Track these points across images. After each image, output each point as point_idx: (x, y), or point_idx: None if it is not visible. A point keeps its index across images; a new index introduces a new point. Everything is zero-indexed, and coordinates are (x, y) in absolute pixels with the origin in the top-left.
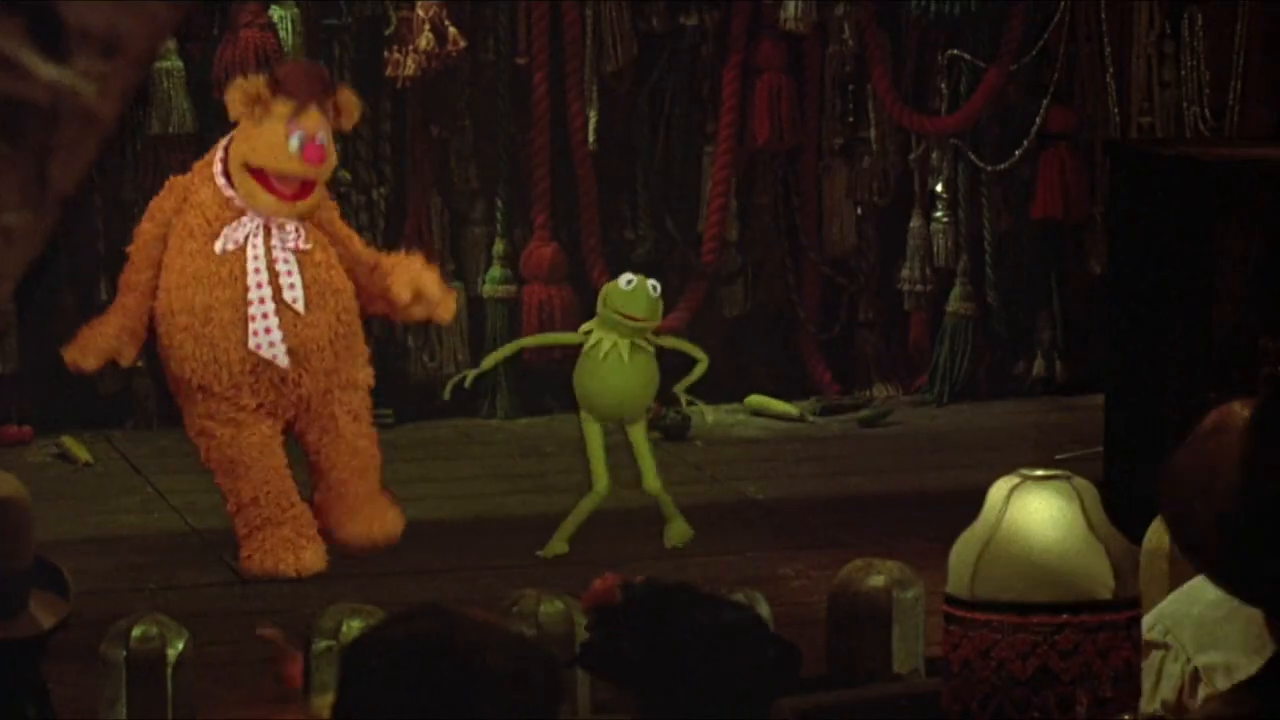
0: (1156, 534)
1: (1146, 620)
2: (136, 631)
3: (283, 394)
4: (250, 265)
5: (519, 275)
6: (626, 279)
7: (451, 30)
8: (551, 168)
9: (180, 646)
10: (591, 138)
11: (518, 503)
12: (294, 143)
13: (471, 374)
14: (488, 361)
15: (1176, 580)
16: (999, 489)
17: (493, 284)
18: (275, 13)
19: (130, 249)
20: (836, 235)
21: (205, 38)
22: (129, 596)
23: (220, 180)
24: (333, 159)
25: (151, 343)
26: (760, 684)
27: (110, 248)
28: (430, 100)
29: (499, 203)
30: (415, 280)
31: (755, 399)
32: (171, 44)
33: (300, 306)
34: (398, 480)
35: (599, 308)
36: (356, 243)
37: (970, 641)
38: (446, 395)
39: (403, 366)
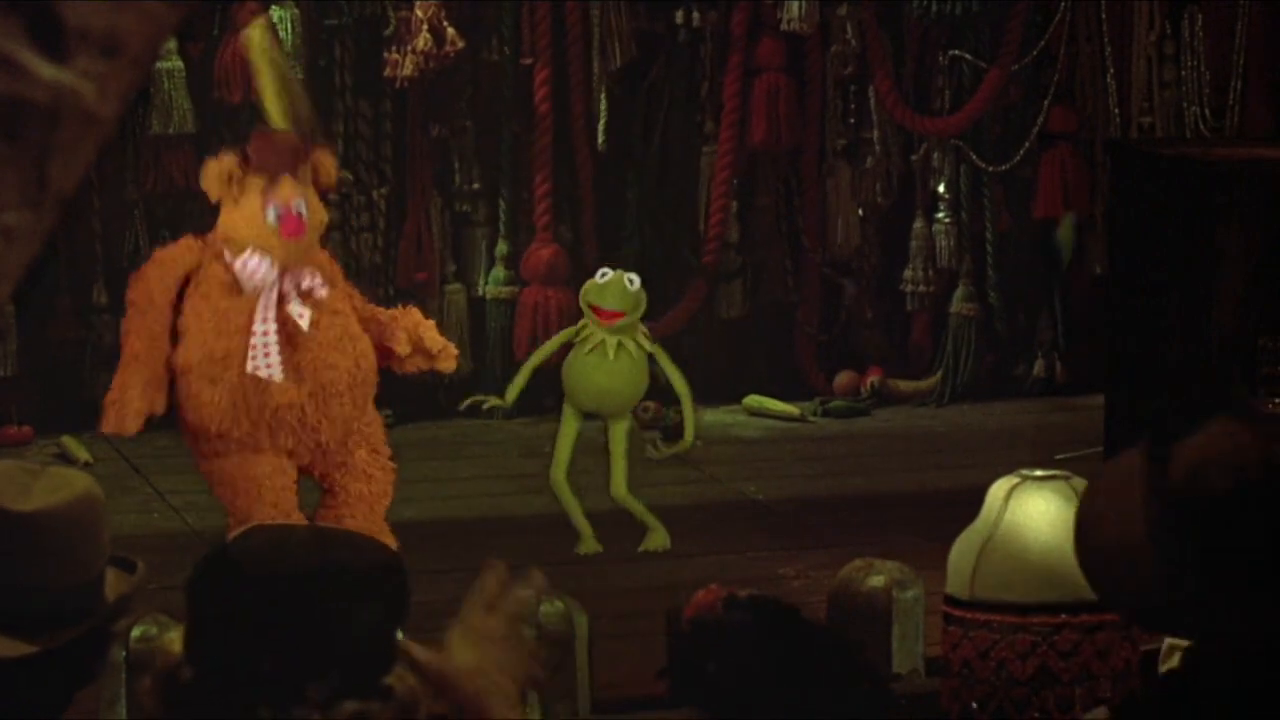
0: None
1: None
2: (136, 631)
3: (301, 440)
4: (262, 300)
5: (520, 276)
6: (601, 272)
7: (450, 31)
8: (554, 169)
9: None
10: (601, 138)
11: (518, 503)
12: (270, 217)
13: (499, 399)
14: (512, 393)
15: None
16: (999, 489)
17: (495, 285)
18: (275, 13)
19: (131, 295)
20: (840, 236)
21: (205, 38)
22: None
23: (227, 257)
24: (319, 215)
25: None
26: None
27: (108, 250)
28: (430, 100)
29: (501, 204)
30: (414, 332)
31: (753, 399)
32: (171, 44)
33: (304, 322)
34: (398, 480)
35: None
36: (359, 297)
37: (970, 641)
38: (476, 403)
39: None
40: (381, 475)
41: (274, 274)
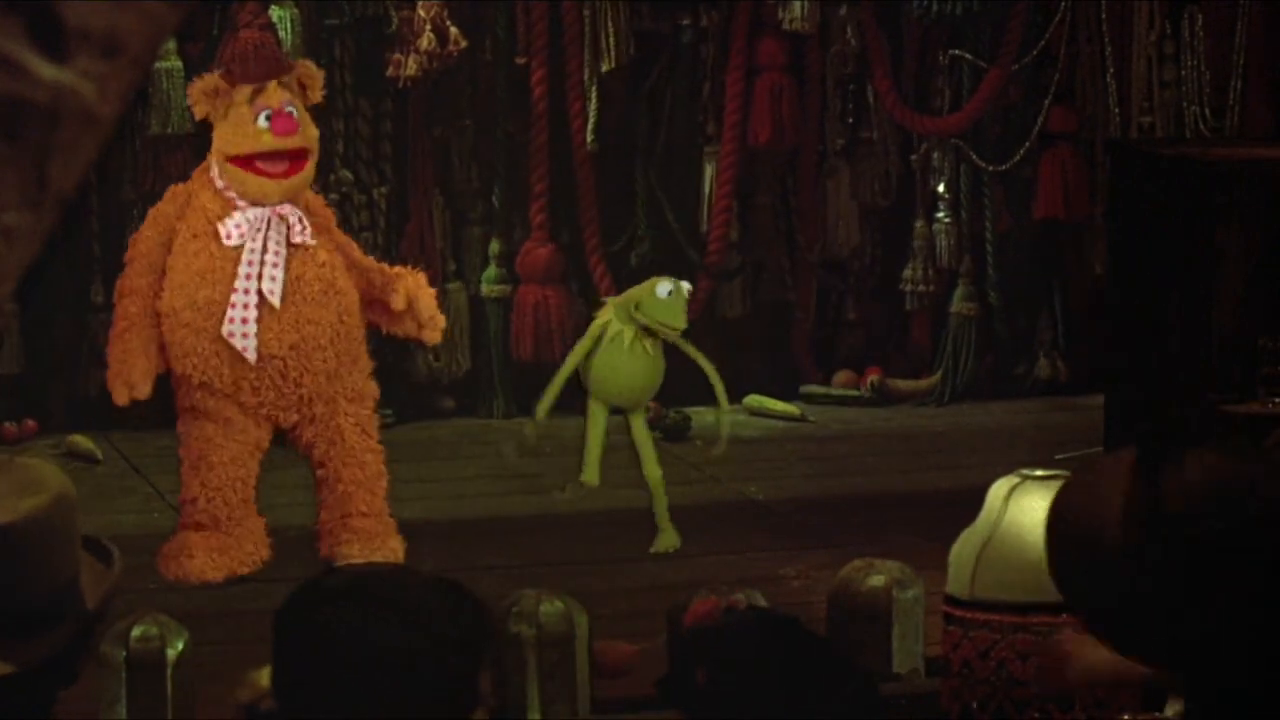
0: None
1: None
2: (136, 631)
3: (283, 393)
4: (245, 256)
5: (515, 275)
6: (664, 289)
7: (453, 30)
8: (550, 168)
9: (180, 646)
10: (590, 137)
11: (518, 503)
12: (262, 120)
13: (531, 425)
14: (544, 407)
15: None
16: (999, 489)
17: (489, 284)
18: (275, 13)
19: (130, 254)
20: (839, 236)
21: (205, 38)
22: (129, 597)
23: (219, 183)
24: (310, 129)
25: None
26: None
27: (105, 250)
28: (431, 100)
29: (495, 203)
30: (413, 293)
31: (754, 399)
32: (171, 44)
33: (275, 300)
34: (398, 480)
35: (619, 310)
36: (355, 249)
37: (970, 641)
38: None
39: (404, 366)
40: (373, 460)
41: (260, 224)
